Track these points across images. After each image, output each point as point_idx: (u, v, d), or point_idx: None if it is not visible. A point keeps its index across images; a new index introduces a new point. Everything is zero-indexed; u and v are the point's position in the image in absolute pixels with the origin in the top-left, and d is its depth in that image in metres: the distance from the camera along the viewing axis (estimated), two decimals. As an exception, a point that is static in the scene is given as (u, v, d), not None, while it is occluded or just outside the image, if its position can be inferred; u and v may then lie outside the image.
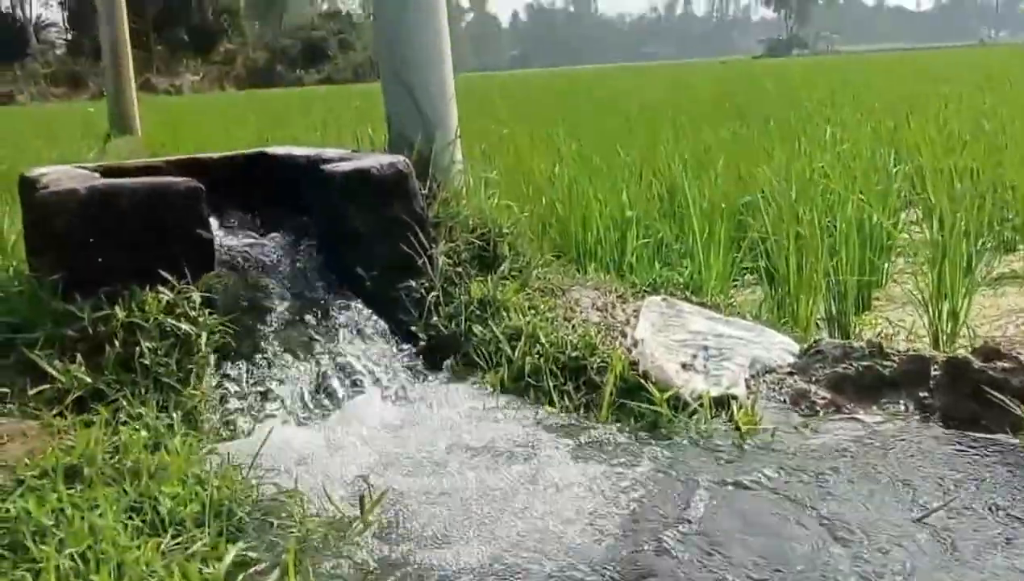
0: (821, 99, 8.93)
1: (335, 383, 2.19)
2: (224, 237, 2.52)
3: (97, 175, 2.38)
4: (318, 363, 2.22)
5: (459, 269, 2.61)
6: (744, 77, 19.86)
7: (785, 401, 2.00)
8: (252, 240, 2.57)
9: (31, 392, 1.89)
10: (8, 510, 1.46)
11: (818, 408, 1.94)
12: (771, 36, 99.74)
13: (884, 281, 3.34)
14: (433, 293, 2.47)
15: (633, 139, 6.39)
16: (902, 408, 1.92)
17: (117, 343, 1.98)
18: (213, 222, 2.39)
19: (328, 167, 2.52)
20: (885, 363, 1.98)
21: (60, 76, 39.38)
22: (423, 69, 2.84)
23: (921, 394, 1.92)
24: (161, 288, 2.10)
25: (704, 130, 6.37)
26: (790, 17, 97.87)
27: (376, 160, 2.55)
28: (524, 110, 11.02)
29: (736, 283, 3.37)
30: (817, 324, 2.87)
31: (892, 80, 12.47)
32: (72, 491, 1.53)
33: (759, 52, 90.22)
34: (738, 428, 1.88)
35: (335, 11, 65.55)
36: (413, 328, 2.43)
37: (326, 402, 2.13)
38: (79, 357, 1.96)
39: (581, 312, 2.48)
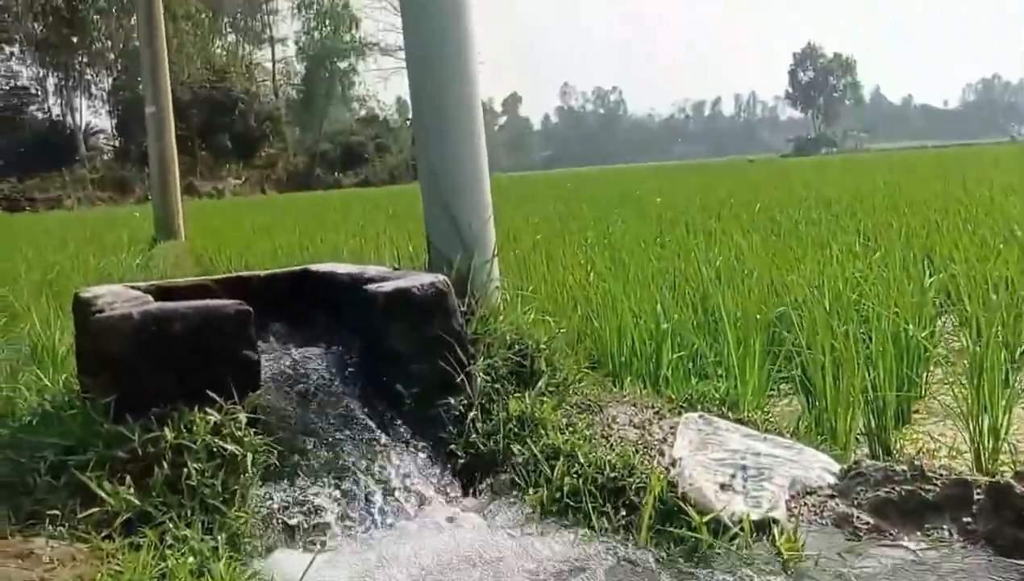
0: (850, 201, 9.00)
1: (376, 503, 2.21)
2: (269, 355, 2.59)
3: (149, 297, 2.47)
4: (359, 483, 2.24)
5: (497, 385, 2.65)
6: (773, 176, 20.08)
7: (827, 525, 1.99)
8: (296, 358, 2.64)
9: (81, 515, 1.93)
10: (59, 640, 1.49)
11: (861, 533, 1.92)
12: (799, 135, 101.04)
13: (923, 393, 3.32)
14: (472, 411, 2.51)
15: (665, 241, 6.49)
16: (946, 534, 1.89)
17: (165, 464, 2.03)
18: (259, 340, 2.46)
19: (370, 287, 2.60)
20: (927, 487, 1.97)
21: (107, 181, 40.75)
22: (463, 194, 2.96)
23: (965, 519, 1.89)
24: (208, 409, 2.16)
25: (735, 232, 6.45)
26: (817, 117, 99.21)
27: (416, 280, 2.62)
28: (557, 211, 11.22)
29: (772, 393, 3.37)
30: (857, 439, 2.85)
31: (921, 180, 12.54)
32: (120, 619, 1.55)
33: (787, 150, 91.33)
34: (780, 554, 1.86)
35: (373, 116, 67.59)
36: (452, 446, 2.46)
37: (367, 522, 2.15)
38: (128, 479, 2.01)
39: (618, 429, 2.50)
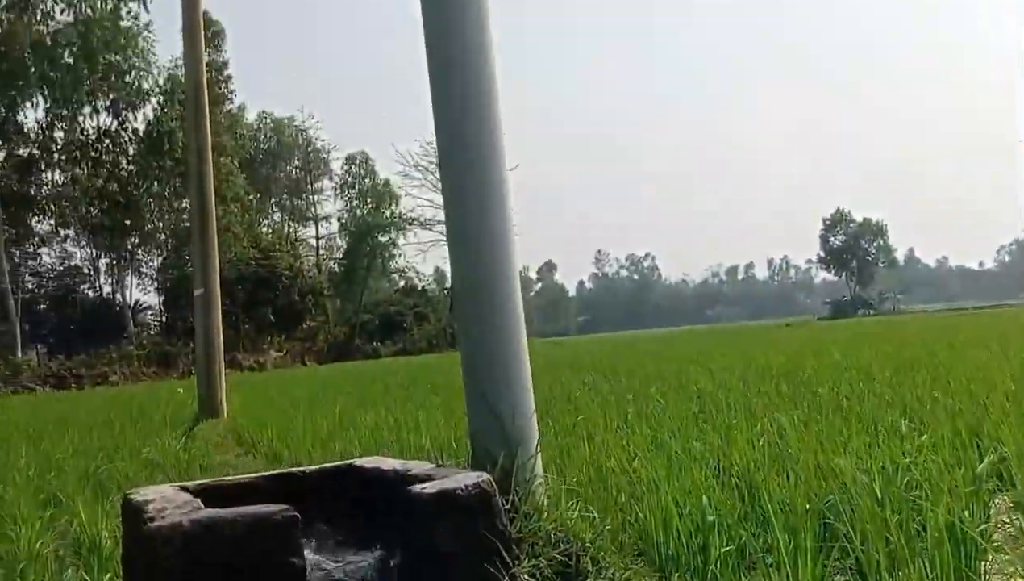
0: (893, 372, 8.93)
1: None
2: (313, 556, 2.59)
3: (199, 502, 2.51)
4: None
5: (543, 587, 2.61)
6: (811, 341, 20.00)
7: None
8: (340, 560, 2.63)
9: None
10: None
11: None
12: (835, 297, 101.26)
13: (983, 584, 3.19)
14: (518, 617, 2.46)
15: (706, 418, 6.44)
16: None
17: (209, 682, 2.01)
18: (304, 538, 2.47)
19: (415, 488, 2.62)
20: None
21: (152, 356, 41.67)
22: (506, 391, 3.02)
23: None
24: (254, 620, 2.15)
25: (776, 408, 6.40)
26: (852, 279, 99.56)
27: (461, 480, 2.64)
28: (594, 379, 11.22)
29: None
30: (919, 640, 2.73)
31: (962, 348, 12.43)
32: None
33: (824, 313, 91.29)
34: None
35: (412, 287, 69.18)
36: (498, 655, 2.40)
37: None
38: None
39: (669, 636, 2.43)
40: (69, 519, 4.42)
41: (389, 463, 3.09)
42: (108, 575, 3.22)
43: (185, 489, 2.74)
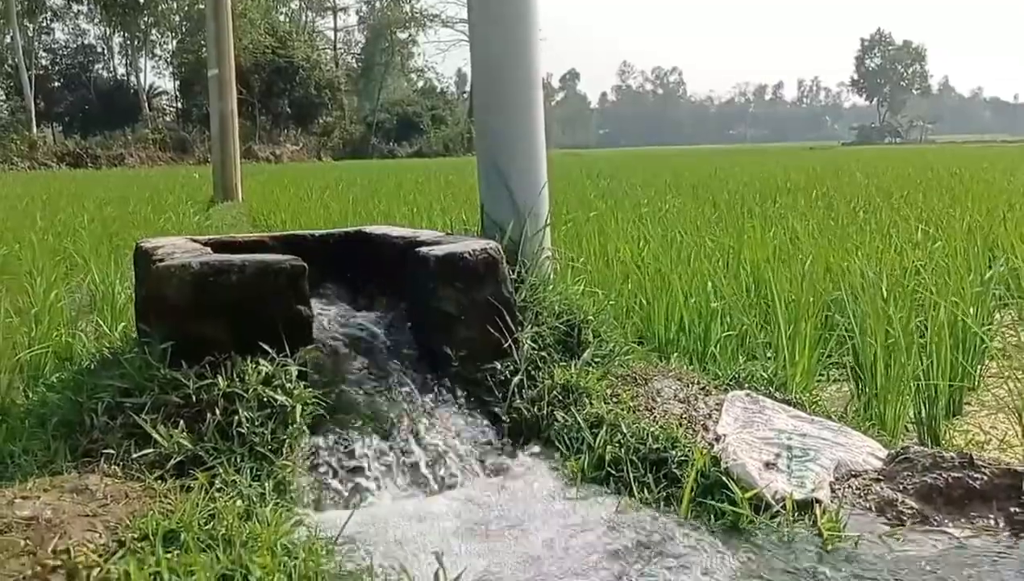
0: (912, 191, 8.81)
1: (420, 459, 2.24)
2: (321, 311, 2.63)
3: (209, 250, 2.53)
4: (404, 439, 2.27)
5: (543, 353, 2.66)
6: (834, 164, 19.69)
7: (871, 508, 1.96)
8: (347, 316, 2.68)
9: (135, 455, 1.99)
10: (110, 571, 1.55)
11: (905, 518, 1.90)
12: (863, 123, 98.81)
13: (976, 385, 3.25)
14: (517, 376, 2.52)
15: (720, 220, 6.42)
16: (992, 523, 1.87)
17: (217, 411, 2.08)
18: (311, 297, 2.50)
19: (423, 250, 2.62)
20: (975, 475, 1.94)
21: (168, 142, 41.48)
22: (518, 162, 2.96)
23: (1012, 509, 1.86)
24: (261, 360, 2.21)
25: (791, 217, 6.36)
26: (883, 105, 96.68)
27: (469, 245, 2.64)
28: (611, 187, 11.16)
29: (821, 378, 3.33)
30: (906, 427, 2.81)
31: (988, 172, 12.20)
32: (169, 555, 1.60)
33: (850, 139, 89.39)
34: (820, 534, 1.85)
35: (430, 88, 67.79)
36: (496, 410, 2.48)
37: (410, 477, 2.19)
38: (181, 423, 2.06)
39: (663, 403, 2.49)
40: (84, 277, 4.50)
41: (398, 230, 3.09)
42: (122, 324, 3.30)
43: (196, 241, 2.76)
